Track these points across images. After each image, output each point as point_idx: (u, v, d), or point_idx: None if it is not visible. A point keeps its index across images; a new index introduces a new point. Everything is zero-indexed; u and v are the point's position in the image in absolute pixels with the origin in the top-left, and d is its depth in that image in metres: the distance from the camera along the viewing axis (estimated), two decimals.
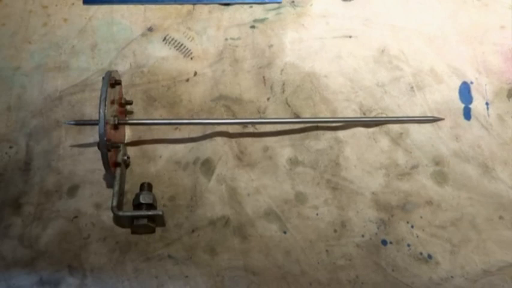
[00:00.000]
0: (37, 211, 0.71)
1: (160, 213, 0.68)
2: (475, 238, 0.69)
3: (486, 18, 0.83)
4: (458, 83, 0.79)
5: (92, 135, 0.75)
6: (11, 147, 0.76)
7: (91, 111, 0.77)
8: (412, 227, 0.70)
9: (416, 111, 0.77)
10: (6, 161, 0.74)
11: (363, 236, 0.70)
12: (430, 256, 0.69)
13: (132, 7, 0.86)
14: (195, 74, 0.81)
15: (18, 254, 0.69)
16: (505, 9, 0.84)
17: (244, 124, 0.77)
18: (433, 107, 0.78)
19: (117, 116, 0.71)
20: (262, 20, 0.85)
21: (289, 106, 0.78)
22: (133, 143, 0.76)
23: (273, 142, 0.76)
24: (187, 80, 0.80)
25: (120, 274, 0.68)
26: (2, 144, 0.76)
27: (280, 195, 0.72)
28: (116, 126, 0.70)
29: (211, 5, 0.86)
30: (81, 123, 0.73)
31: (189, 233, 0.70)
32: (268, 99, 0.79)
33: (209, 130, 0.76)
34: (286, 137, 0.76)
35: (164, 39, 0.83)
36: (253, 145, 0.76)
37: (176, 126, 0.77)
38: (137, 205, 0.69)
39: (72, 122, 0.72)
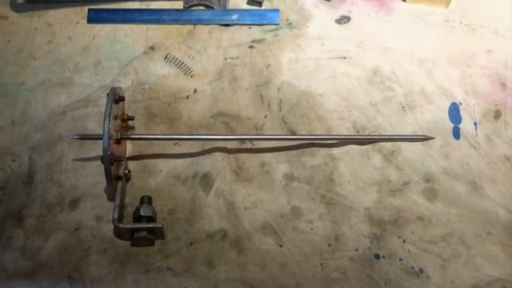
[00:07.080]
0: (39, 223, 0.73)
1: (160, 226, 0.70)
2: (464, 253, 0.71)
3: (473, 42, 0.86)
4: (448, 103, 0.82)
5: (94, 149, 0.77)
6: (14, 160, 0.77)
7: (93, 126, 0.79)
8: (404, 241, 0.72)
9: (407, 130, 0.80)
10: (9, 173, 0.76)
11: (356, 250, 0.72)
12: (421, 270, 0.71)
13: (134, 26, 0.89)
14: (195, 91, 0.83)
15: (20, 265, 0.70)
16: (491, 35, 0.87)
17: (242, 140, 0.79)
18: (424, 126, 0.80)
19: (120, 131, 0.73)
20: (260, 41, 0.88)
21: (285, 123, 0.81)
22: (134, 158, 0.78)
23: (270, 158, 0.78)
24: (188, 97, 0.83)
25: (120, 285, 0.69)
26: (6, 157, 0.77)
27: (276, 210, 0.74)
28: (118, 141, 0.72)
29: (212, 26, 0.89)
30: (85, 137, 0.75)
31: (188, 245, 0.72)
32: (265, 116, 0.81)
33: (208, 146, 0.78)
34: (282, 153, 0.78)
35: (165, 57, 0.86)
36: (251, 161, 0.78)
37: (176, 141, 0.79)
38: (137, 218, 0.71)
39: (76, 137, 0.74)
